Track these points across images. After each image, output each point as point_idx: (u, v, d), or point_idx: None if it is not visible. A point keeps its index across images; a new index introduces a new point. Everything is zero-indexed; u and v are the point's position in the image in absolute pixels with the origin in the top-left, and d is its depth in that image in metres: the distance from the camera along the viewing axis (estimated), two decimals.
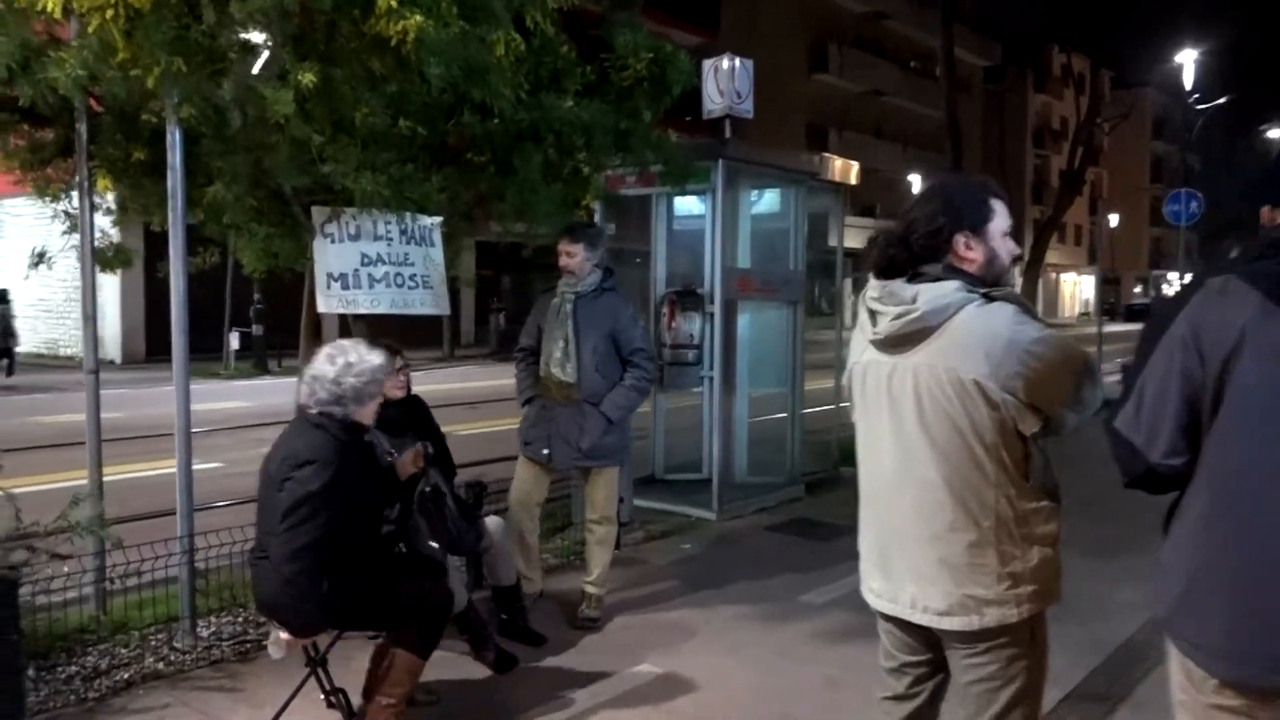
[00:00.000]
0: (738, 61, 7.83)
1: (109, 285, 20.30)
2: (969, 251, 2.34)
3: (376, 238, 5.23)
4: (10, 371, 18.76)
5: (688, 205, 8.58)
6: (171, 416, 4.83)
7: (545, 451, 4.87)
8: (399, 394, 4.54)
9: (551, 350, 4.81)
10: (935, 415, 2.27)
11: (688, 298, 7.93)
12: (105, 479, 5.15)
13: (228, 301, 19.67)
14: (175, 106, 4.35)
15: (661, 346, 7.83)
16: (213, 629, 4.94)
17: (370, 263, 5.24)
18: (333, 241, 5.18)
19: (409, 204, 5.05)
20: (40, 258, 5.11)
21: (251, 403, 14.91)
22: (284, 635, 3.48)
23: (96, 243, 5.21)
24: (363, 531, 3.57)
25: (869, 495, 2.49)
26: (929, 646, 2.48)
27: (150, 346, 21.62)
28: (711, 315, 7.55)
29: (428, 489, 4.17)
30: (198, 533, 4.89)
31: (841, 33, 45.30)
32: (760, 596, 5.55)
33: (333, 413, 3.51)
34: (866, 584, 2.52)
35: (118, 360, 21.72)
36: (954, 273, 2.31)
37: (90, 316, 5.10)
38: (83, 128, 4.85)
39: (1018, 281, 26.04)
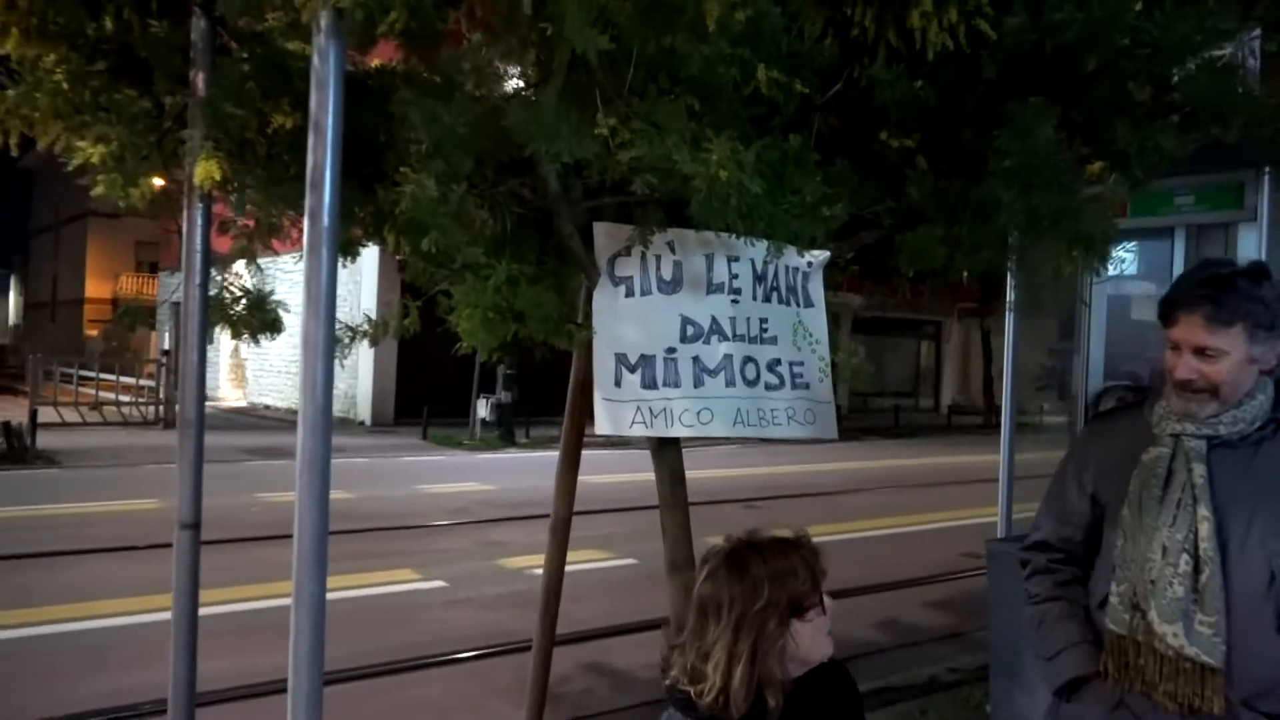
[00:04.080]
0: None
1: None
2: None
3: (712, 287, 2.63)
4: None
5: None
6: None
7: None
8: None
9: (1150, 569, 1.96)
10: None
11: None
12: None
13: (476, 364, 18.10)
14: None
15: None
16: None
17: (697, 336, 2.64)
18: (628, 293, 2.63)
19: (792, 219, 2.41)
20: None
21: (494, 485, 12.91)
22: None
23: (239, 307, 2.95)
24: None
25: None
26: None
27: (400, 409, 20.65)
28: None
29: None
30: None
31: None
32: None
33: None
34: None
35: (367, 422, 20.95)
36: None
37: (194, 422, 2.77)
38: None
39: None
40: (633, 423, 2.55)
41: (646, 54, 2.39)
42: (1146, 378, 5.29)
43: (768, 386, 2.71)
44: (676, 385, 2.58)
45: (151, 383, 21.40)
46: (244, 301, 2.93)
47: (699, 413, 2.59)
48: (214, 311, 2.98)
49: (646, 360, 2.58)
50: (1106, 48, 2.40)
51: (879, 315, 28.89)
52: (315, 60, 2.09)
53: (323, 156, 2.08)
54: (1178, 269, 5.09)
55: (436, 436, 18.63)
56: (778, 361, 2.75)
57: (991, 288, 22.00)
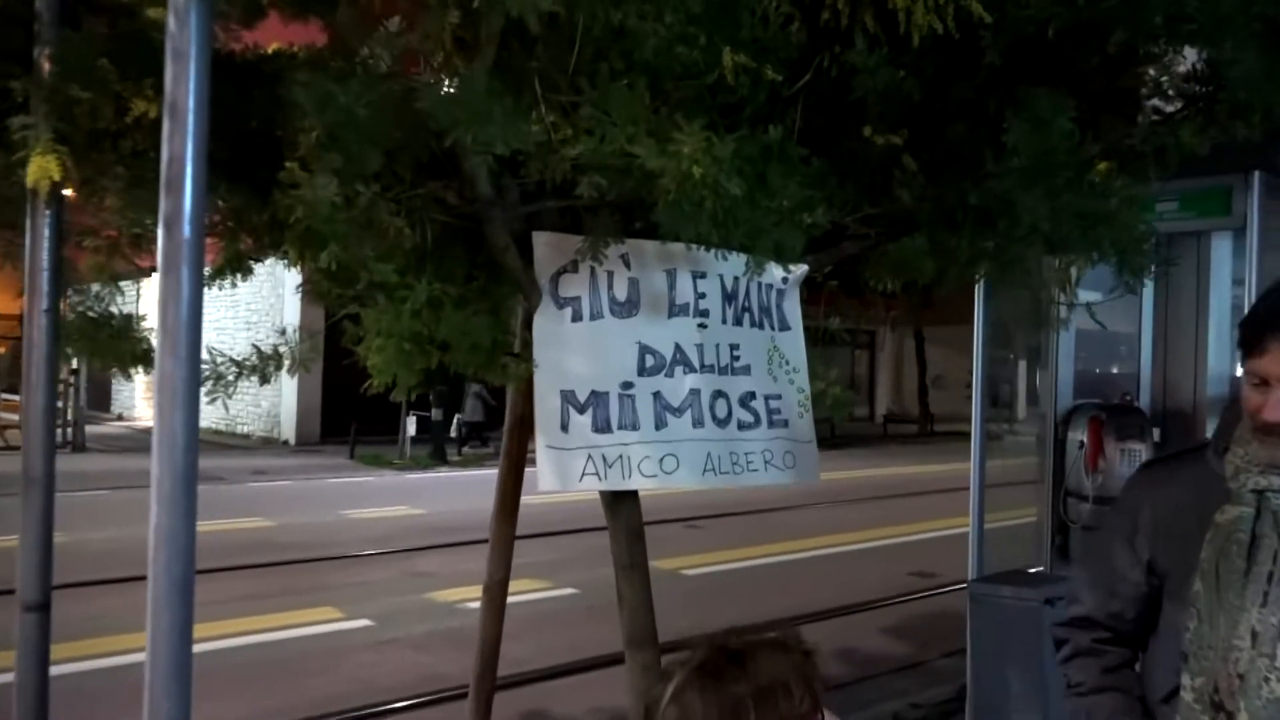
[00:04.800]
0: None
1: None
2: None
3: (675, 309, 2.21)
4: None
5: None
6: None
7: None
8: None
9: (1237, 660, 1.59)
10: None
11: (1125, 418, 4.78)
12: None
13: None
14: None
15: (1075, 500, 4.78)
16: None
17: (659, 367, 2.22)
18: (575, 317, 2.19)
19: (770, 225, 2.00)
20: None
21: (423, 508, 12.31)
22: None
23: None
24: None
25: None
26: None
27: (326, 428, 19.89)
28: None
29: None
30: None
31: None
32: None
33: None
34: None
35: (291, 441, 20.14)
36: None
37: (40, 479, 2.25)
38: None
39: None
40: (583, 475, 2.10)
41: (593, 33, 1.97)
42: (1117, 397, 5.01)
43: (741, 425, 2.29)
44: (635, 427, 2.14)
45: (59, 403, 20.32)
46: (109, 327, 2.42)
47: (662, 460, 2.15)
48: (75, 341, 2.48)
49: (598, 398, 2.14)
50: (1141, 26, 2.03)
51: (810, 325, 28.82)
52: (171, 24, 1.61)
53: (182, 148, 1.61)
54: (1150, 284, 4.79)
55: (364, 456, 17.92)
56: (751, 395, 2.33)
57: (920, 296, 21.90)
